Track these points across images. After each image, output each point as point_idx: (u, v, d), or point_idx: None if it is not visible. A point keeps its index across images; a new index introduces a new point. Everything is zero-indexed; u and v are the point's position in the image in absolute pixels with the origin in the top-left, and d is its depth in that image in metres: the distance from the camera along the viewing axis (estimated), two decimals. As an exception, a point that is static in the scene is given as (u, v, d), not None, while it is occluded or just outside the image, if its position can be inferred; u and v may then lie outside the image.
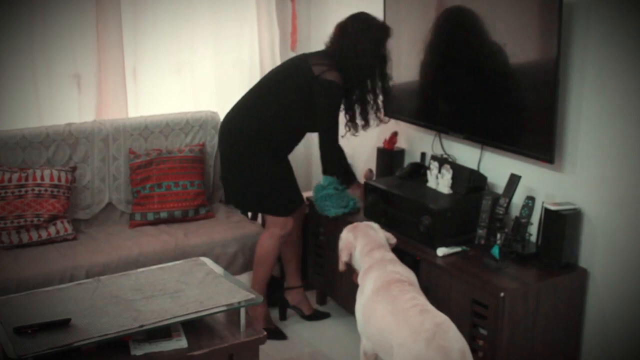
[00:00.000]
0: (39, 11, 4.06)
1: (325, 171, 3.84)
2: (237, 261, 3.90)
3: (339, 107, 3.72)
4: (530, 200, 3.27)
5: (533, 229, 3.30)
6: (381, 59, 3.70)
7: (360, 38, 3.60)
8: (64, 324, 2.64)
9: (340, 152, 3.84)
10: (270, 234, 3.79)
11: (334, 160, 3.80)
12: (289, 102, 3.70)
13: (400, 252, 3.37)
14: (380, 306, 2.93)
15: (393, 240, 3.35)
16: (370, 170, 4.26)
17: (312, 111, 3.67)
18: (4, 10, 3.99)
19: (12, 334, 2.57)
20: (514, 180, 3.33)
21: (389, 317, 2.85)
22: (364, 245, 3.25)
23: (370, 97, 3.78)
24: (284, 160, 3.83)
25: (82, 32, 4.19)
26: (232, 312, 2.94)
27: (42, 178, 3.76)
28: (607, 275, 3.13)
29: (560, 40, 3.04)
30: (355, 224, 3.38)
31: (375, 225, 3.37)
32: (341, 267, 3.31)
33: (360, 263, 3.23)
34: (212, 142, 4.32)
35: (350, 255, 3.27)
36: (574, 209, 3.16)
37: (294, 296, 4.06)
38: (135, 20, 4.38)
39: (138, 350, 2.69)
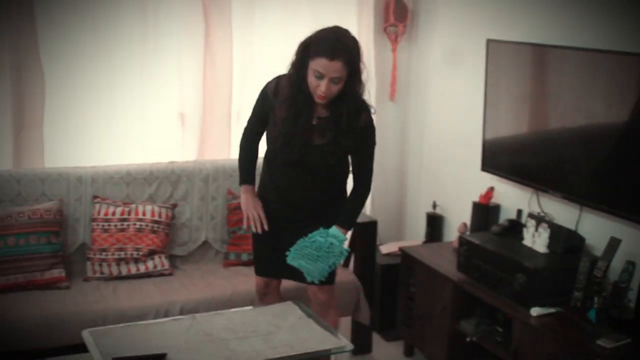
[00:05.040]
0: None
1: None
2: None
3: (258, 104, 3.33)
4: (630, 265, 3.19)
5: (632, 295, 3.21)
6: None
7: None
8: (159, 358, 2.70)
9: (243, 146, 3.46)
10: None
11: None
12: None
13: (492, 310, 3.32)
14: None
15: None
16: (465, 224, 4.24)
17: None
18: (116, 49, 4.22)
19: (111, 365, 2.66)
20: (613, 244, 3.26)
21: None
22: None
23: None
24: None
25: (188, 70, 4.36)
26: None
27: (144, 213, 3.89)
28: None
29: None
30: None
31: None
32: None
33: None
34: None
35: None
36: (677, 277, 3.08)
37: None
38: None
39: (229, 389, 2.73)
